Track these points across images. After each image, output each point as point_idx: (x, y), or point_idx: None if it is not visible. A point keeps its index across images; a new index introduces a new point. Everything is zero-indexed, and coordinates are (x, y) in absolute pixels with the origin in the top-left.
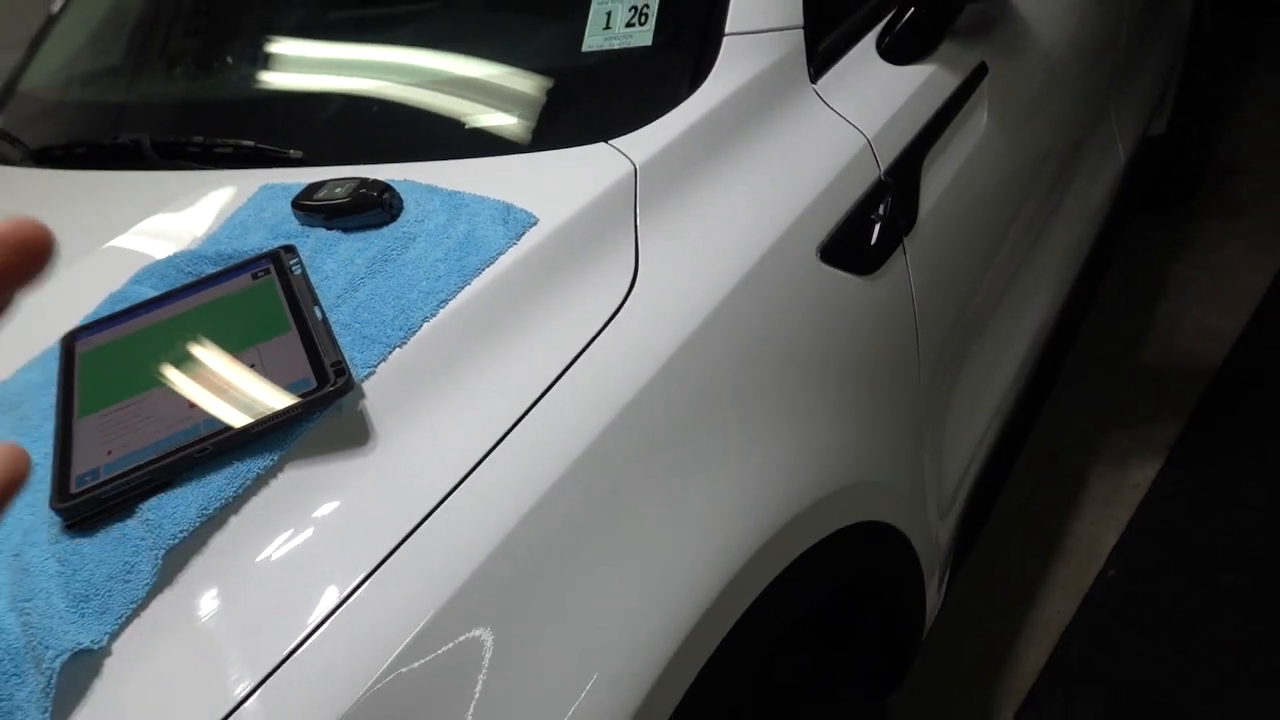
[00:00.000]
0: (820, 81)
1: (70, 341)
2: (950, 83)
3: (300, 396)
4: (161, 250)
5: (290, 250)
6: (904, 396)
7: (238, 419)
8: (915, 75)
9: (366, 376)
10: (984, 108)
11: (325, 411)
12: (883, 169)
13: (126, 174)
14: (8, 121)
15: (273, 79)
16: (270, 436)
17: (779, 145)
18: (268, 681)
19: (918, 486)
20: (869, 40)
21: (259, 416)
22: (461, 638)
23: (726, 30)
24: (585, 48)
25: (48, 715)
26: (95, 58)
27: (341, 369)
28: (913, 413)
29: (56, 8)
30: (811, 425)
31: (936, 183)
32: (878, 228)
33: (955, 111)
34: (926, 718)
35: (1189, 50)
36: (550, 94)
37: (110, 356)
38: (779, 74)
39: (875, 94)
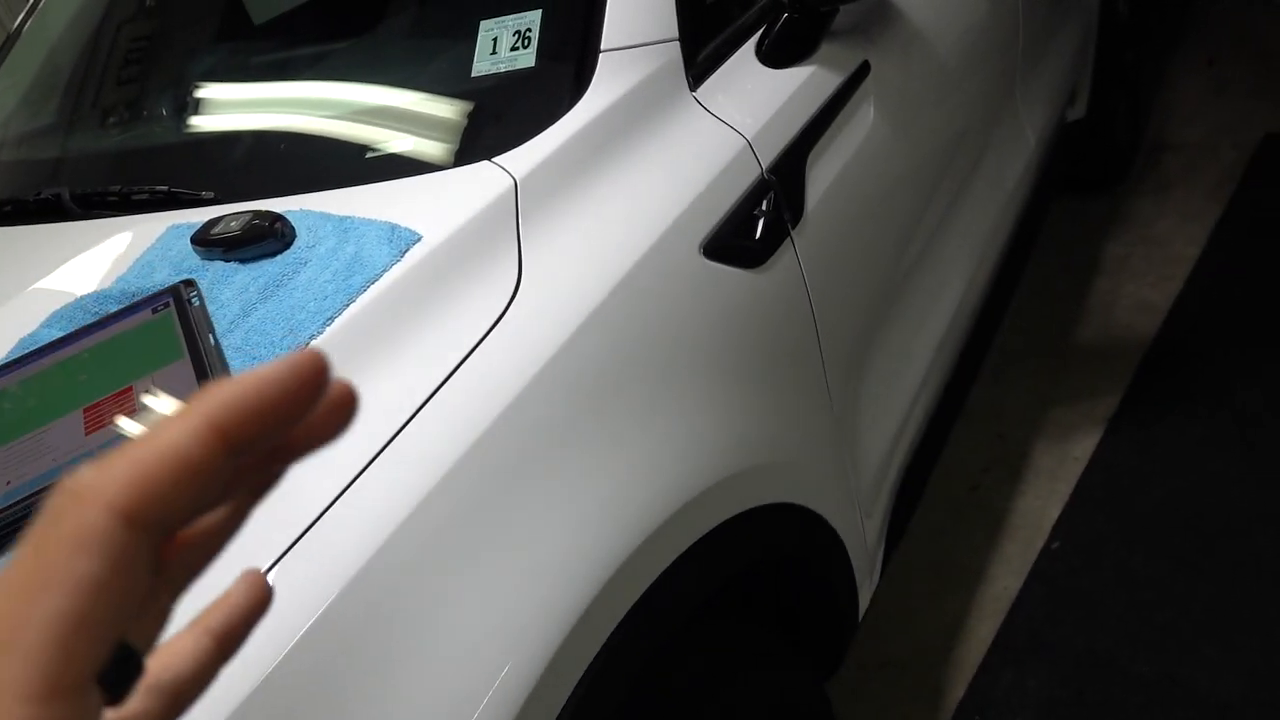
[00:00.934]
0: (700, 89)
1: None
2: (831, 82)
3: None
4: (74, 293)
5: (190, 284)
6: (806, 384)
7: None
8: (794, 77)
9: None
10: (869, 104)
11: None
12: (764, 167)
13: (48, 226)
14: None
15: (183, 126)
16: None
17: (658, 150)
18: None
19: (833, 470)
20: (749, 47)
21: None
22: (357, 627)
23: (603, 47)
24: (474, 73)
25: None
26: (22, 119)
27: None
28: (820, 399)
29: None
30: (706, 412)
31: (823, 178)
32: (762, 223)
33: (838, 109)
34: (881, 695)
35: (1102, 35)
36: (439, 120)
37: (15, 396)
38: (656, 84)
39: (755, 97)
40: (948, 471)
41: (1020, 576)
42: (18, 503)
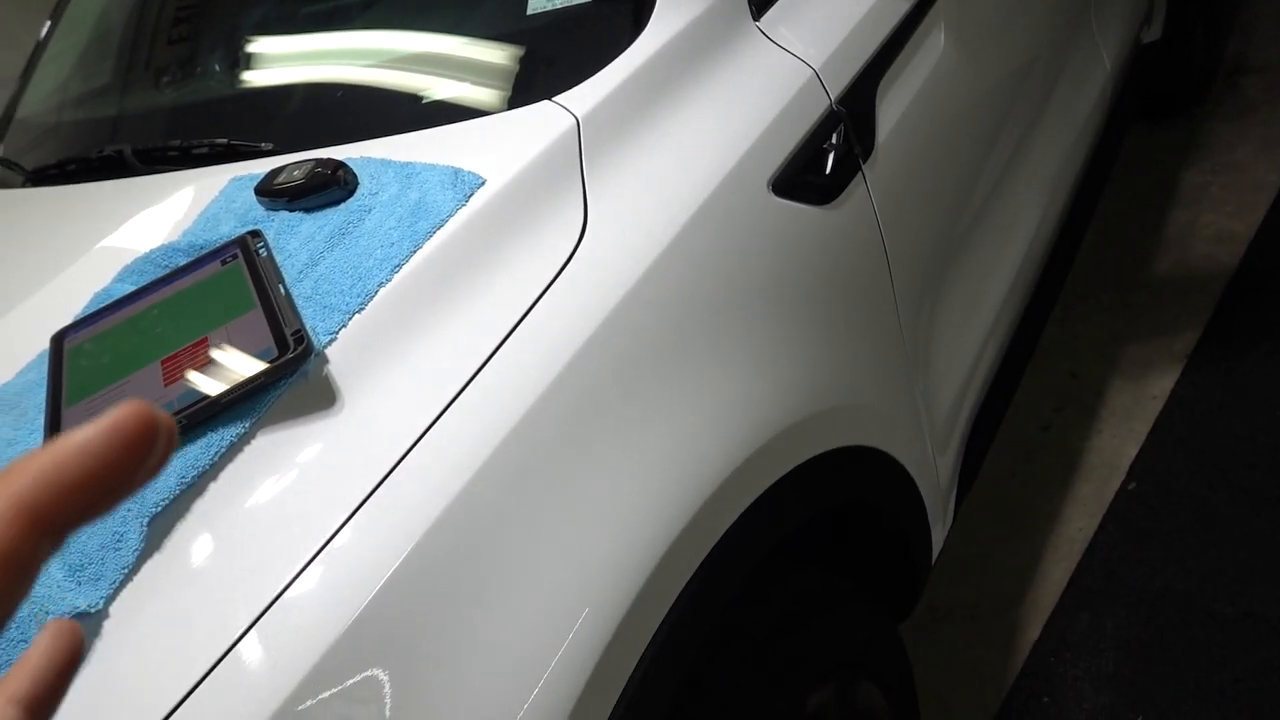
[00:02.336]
0: (764, 18)
1: (59, 340)
2: (899, 6)
3: (263, 366)
4: (142, 248)
5: (256, 235)
6: (880, 323)
7: (207, 392)
8: (861, 2)
9: (329, 343)
10: (940, 28)
11: (290, 378)
12: (833, 99)
13: (113, 182)
14: (7, 149)
15: (239, 79)
16: (240, 406)
17: (723, 84)
18: (256, 625)
19: (907, 411)
20: None
21: (226, 388)
22: (437, 574)
23: None
24: (530, 10)
25: None
26: (80, 79)
27: (301, 337)
28: (892, 338)
29: (43, 34)
30: (779, 354)
31: (894, 108)
32: (831, 157)
33: (908, 35)
34: (953, 639)
35: None
36: (497, 61)
37: (94, 349)
38: (718, 15)
39: (821, 25)
40: (1018, 411)
41: (1096, 518)
42: None
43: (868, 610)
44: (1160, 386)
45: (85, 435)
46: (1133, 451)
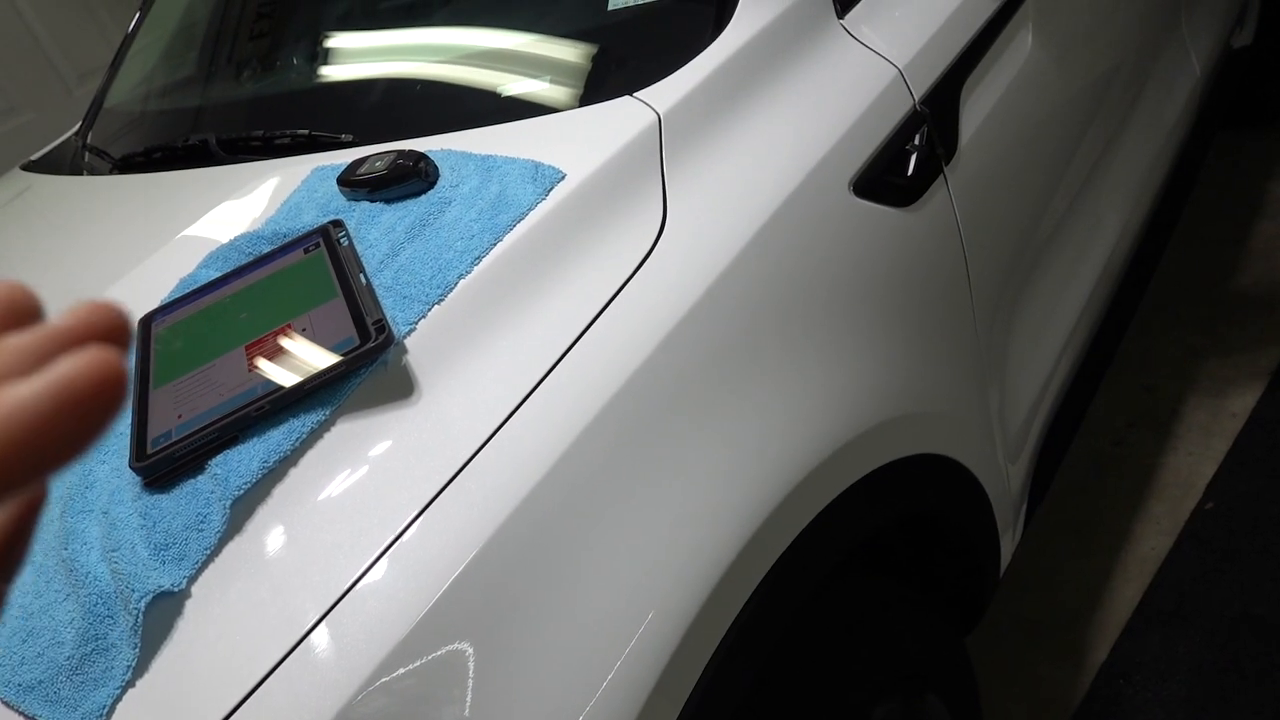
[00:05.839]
0: (848, 16)
1: (147, 323)
2: (987, 5)
3: (345, 354)
4: (226, 235)
5: (338, 224)
6: (957, 329)
7: (290, 378)
8: (949, 1)
9: (408, 333)
10: (1027, 29)
11: (370, 366)
12: (917, 99)
13: (198, 171)
14: (96, 137)
15: (321, 72)
16: (321, 393)
17: (806, 83)
18: (331, 613)
19: (980, 421)
20: None
21: (309, 375)
22: (507, 570)
23: None
24: (611, 6)
25: (137, 650)
26: (165, 71)
27: (382, 326)
28: (968, 346)
29: (131, 27)
30: (854, 358)
31: (978, 110)
32: (914, 159)
33: (995, 34)
34: (1016, 654)
35: None
36: (576, 56)
37: (180, 333)
38: (802, 13)
39: (906, 24)
40: (1090, 425)
41: (1170, 537)
42: (190, 434)
43: (936, 622)
44: (1240, 404)
45: (36, 390)
46: (1210, 471)
